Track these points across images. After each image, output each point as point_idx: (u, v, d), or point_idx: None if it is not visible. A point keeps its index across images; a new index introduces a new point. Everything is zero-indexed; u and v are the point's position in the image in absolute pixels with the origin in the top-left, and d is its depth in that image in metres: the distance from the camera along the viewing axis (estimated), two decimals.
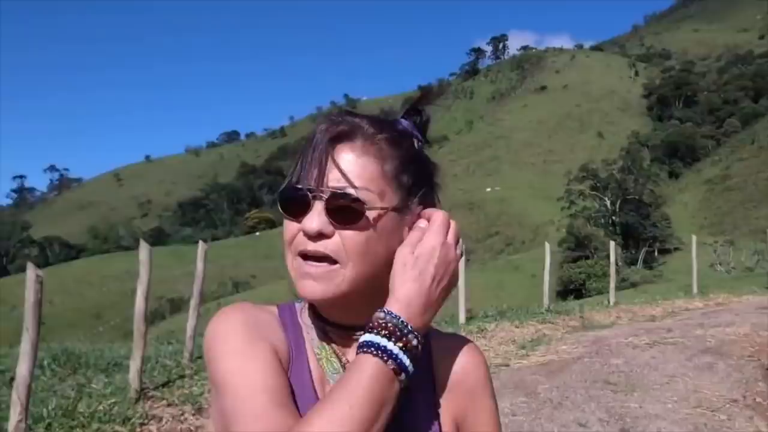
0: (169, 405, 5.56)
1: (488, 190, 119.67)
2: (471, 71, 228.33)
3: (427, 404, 0.93)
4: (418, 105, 0.97)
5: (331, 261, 0.84)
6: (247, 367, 0.83)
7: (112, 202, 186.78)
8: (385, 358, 0.80)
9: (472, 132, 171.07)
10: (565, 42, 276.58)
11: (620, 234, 61.23)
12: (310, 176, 0.84)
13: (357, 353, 0.82)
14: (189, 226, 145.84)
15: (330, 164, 0.84)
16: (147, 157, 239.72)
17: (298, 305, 0.97)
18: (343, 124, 0.86)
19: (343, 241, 0.83)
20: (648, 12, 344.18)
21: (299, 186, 0.84)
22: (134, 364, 5.63)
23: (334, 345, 0.92)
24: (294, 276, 0.87)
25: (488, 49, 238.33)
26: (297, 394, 0.86)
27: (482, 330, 9.66)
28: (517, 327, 10.06)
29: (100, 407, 5.17)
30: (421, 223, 0.89)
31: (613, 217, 66.85)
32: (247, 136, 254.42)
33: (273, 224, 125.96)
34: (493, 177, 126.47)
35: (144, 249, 6.05)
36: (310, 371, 0.90)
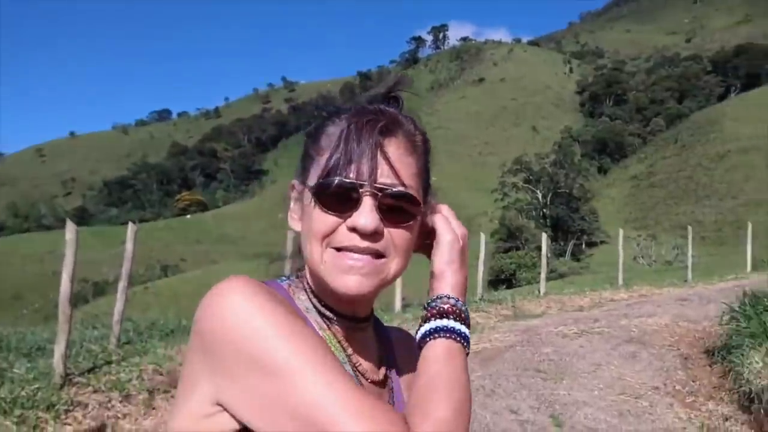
0: (95, 391, 5.36)
1: None
2: (411, 60, 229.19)
3: (399, 385, 0.96)
4: (394, 91, 0.92)
5: (376, 255, 0.81)
6: (318, 351, 0.73)
7: (33, 179, 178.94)
8: (464, 342, 0.85)
9: None
10: (503, 35, 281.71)
11: (550, 226, 62.94)
12: (359, 170, 0.79)
13: (434, 338, 0.84)
14: (115, 206, 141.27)
15: (380, 159, 0.80)
16: (71, 133, 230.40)
17: (284, 284, 0.91)
18: (384, 117, 0.83)
19: (393, 238, 0.81)
20: (584, 10, 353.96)
21: (347, 181, 0.79)
22: (59, 349, 5.40)
23: (338, 335, 0.88)
24: (329, 268, 0.81)
25: (429, 38, 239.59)
26: None
27: (418, 318, 9.71)
28: None
29: (23, 393, 4.96)
30: (444, 211, 0.93)
31: (544, 210, 68.67)
32: (179, 115, 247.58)
33: (205, 207, 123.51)
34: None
35: (70, 229, 5.78)
36: None
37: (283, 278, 0.92)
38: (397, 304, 10.60)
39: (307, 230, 0.83)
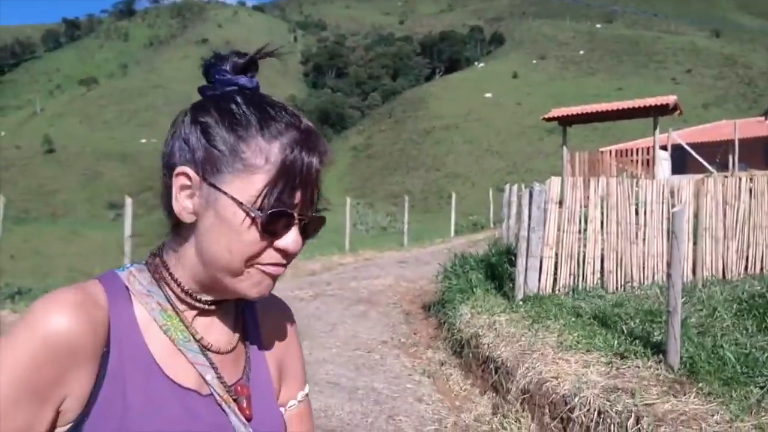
0: None
1: (143, 141, 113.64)
2: (126, 11, 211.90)
3: (261, 355, 0.99)
4: (256, 58, 0.91)
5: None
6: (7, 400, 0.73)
7: None
8: None
9: (126, 77, 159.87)
10: None
11: None
12: (301, 202, 0.83)
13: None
14: None
15: (314, 189, 0.85)
16: None
17: (122, 273, 0.88)
18: (321, 143, 0.85)
19: (301, 249, 0.88)
20: None
21: (291, 211, 0.82)
22: None
23: (186, 318, 0.88)
24: (245, 282, 0.84)
25: None
26: (130, 377, 0.81)
27: None
28: None
29: None
30: None
31: None
32: None
33: None
34: (149, 128, 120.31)
35: None
36: (145, 347, 0.84)
37: (127, 266, 0.91)
38: None
39: (228, 245, 0.83)
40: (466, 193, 59.81)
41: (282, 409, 1.00)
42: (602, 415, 3.86)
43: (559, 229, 7.03)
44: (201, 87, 0.92)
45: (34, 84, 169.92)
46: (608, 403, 3.89)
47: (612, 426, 3.76)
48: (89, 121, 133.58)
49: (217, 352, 0.90)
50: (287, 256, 0.84)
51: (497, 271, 7.84)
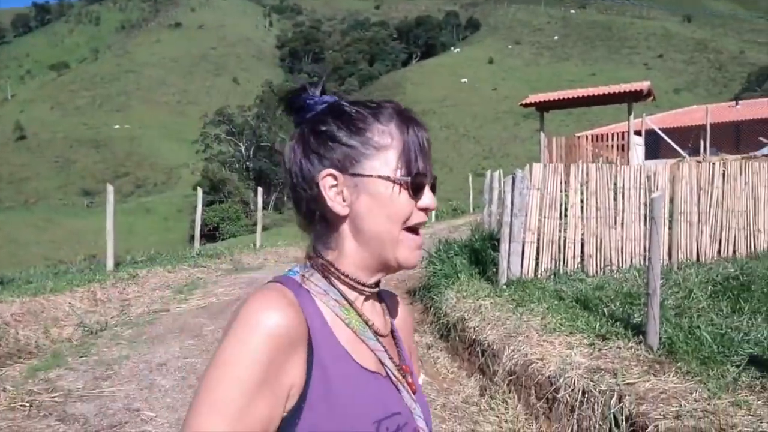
0: None
1: (116, 127, 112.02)
2: None
3: (400, 338, 1.14)
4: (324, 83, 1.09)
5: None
6: (233, 395, 0.81)
7: None
8: None
9: (97, 62, 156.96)
10: None
11: (254, 179, 63.70)
12: (426, 166, 1.00)
13: None
14: None
15: (429, 153, 1.02)
16: None
17: (296, 277, 0.99)
18: (417, 117, 1.04)
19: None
20: None
21: (424, 173, 0.99)
22: None
23: (359, 309, 1.01)
24: (401, 247, 0.98)
25: None
26: (331, 366, 0.91)
27: (134, 276, 9.32)
28: (169, 272, 9.97)
29: None
30: None
31: (248, 163, 69.11)
32: None
33: None
34: (122, 113, 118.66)
35: None
36: (336, 339, 0.95)
37: (295, 270, 1.01)
38: (110, 262, 10.01)
39: (385, 215, 0.97)
40: (444, 179, 60.10)
41: None
42: (586, 395, 4.03)
43: (540, 215, 7.20)
44: (294, 117, 1.05)
45: (3, 70, 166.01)
46: (592, 383, 4.06)
47: (596, 405, 3.93)
48: (61, 107, 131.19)
49: (382, 335, 1.03)
50: (427, 213, 1.01)
51: (481, 256, 8.00)
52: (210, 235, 44.12)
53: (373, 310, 1.05)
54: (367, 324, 1.01)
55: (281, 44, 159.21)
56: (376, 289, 1.05)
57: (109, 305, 7.93)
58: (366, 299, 1.03)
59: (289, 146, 1.02)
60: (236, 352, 0.83)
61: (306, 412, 0.88)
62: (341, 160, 0.98)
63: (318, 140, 0.99)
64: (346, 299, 0.99)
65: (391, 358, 1.02)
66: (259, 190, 15.39)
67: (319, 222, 1.00)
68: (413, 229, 1.01)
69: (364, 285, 1.01)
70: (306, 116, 1.03)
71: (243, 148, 69.86)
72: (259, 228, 14.18)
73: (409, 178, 0.98)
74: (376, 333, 1.02)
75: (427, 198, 1.00)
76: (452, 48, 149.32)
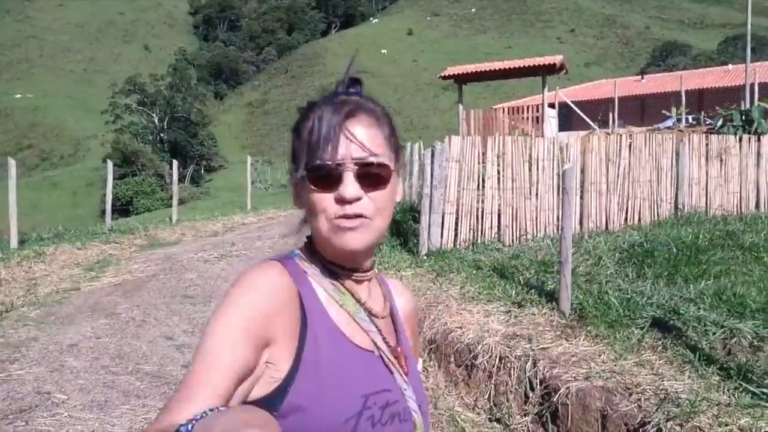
0: None
1: (18, 96, 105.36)
2: None
3: (401, 322, 1.16)
4: (352, 75, 1.08)
5: (364, 217, 0.97)
6: (224, 347, 0.88)
7: None
8: None
9: None
10: None
11: (168, 151, 61.57)
12: (336, 151, 0.95)
13: None
14: None
15: (350, 138, 0.96)
16: None
17: (295, 258, 1.04)
18: (348, 103, 0.98)
19: (374, 200, 0.97)
20: None
21: (329, 163, 0.94)
22: None
23: (351, 288, 1.04)
24: (330, 234, 0.98)
25: None
26: (322, 339, 0.96)
27: (40, 254, 8.89)
28: (79, 249, 9.56)
29: None
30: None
31: (161, 134, 66.69)
32: None
33: None
34: (23, 82, 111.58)
35: None
36: (329, 317, 1.00)
37: (296, 252, 1.06)
38: (14, 240, 9.50)
39: (310, 208, 0.99)
40: None
41: None
42: (503, 361, 4.17)
43: (459, 187, 7.33)
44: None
45: None
46: (508, 349, 4.21)
47: (512, 370, 4.08)
48: None
49: (377, 317, 1.06)
50: (348, 203, 0.97)
51: (402, 227, 8.08)
52: (123, 209, 42.60)
53: (369, 293, 1.08)
54: (361, 304, 1.04)
55: (195, 11, 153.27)
56: (367, 274, 1.07)
57: (15, 285, 7.54)
58: (360, 282, 1.06)
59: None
60: (227, 309, 0.90)
61: (299, 378, 0.93)
62: (293, 159, 1.02)
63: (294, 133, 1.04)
64: (340, 281, 1.03)
65: (384, 340, 1.05)
66: (174, 162, 14.92)
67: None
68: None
69: (343, 269, 1.03)
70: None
71: (156, 119, 67.26)
72: (174, 202, 13.78)
73: (305, 172, 0.97)
74: (371, 314, 1.05)
75: (345, 188, 0.96)
76: (371, 19, 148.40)
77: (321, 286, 1.02)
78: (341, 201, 0.96)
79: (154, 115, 67.75)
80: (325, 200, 0.97)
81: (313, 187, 0.97)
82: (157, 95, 68.47)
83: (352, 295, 1.04)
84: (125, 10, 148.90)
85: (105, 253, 9.56)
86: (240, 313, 0.90)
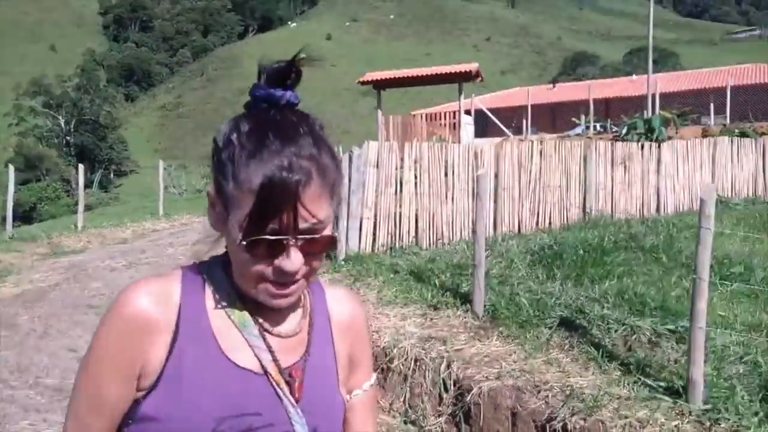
0: None
1: None
2: None
3: (327, 344, 1.05)
4: (298, 66, 0.97)
5: (298, 281, 0.91)
6: (101, 390, 0.91)
7: None
8: None
9: None
10: None
11: (75, 155, 58.95)
12: (281, 223, 0.85)
13: None
14: None
15: (299, 210, 0.85)
16: None
17: (203, 265, 0.98)
18: (298, 173, 0.85)
19: (312, 263, 0.90)
20: None
21: (274, 237, 0.86)
22: None
23: (252, 309, 0.95)
24: (257, 294, 0.91)
25: None
26: (188, 355, 0.91)
27: None
28: None
29: None
30: None
31: (68, 138, 63.75)
32: None
33: None
34: None
35: None
36: (209, 330, 0.93)
37: (218, 259, 0.98)
38: None
39: (236, 261, 0.91)
40: None
41: (347, 397, 1.07)
42: (418, 363, 4.22)
43: (377, 191, 7.37)
44: (245, 104, 0.95)
45: None
46: (423, 351, 4.26)
47: (427, 372, 4.12)
48: None
49: (278, 336, 0.97)
50: (286, 275, 0.89)
51: None
52: (26, 216, 40.33)
53: (277, 310, 0.96)
54: (254, 320, 0.95)
55: (105, 10, 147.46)
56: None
57: None
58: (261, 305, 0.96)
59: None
60: (98, 332, 0.92)
61: (155, 391, 0.90)
62: (215, 181, 0.91)
63: (213, 146, 0.93)
64: (238, 294, 0.95)
65: (275, 359, 0.95)
66: (81, 166, 14.26)
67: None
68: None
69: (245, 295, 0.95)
70: (251, 111, 0.93)
71: (62, 122, 64.27)
72: (81, 208, 13.15)
73: (244, 243, 0.87)
74: (266, 331, 0.96)
75: (287, 262, 0.87)
76: (289, 23, 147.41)
77: (216, 293, 0.95)
78: (280, 272, 0.89)
79: (60, 117, 64.74)
80: (261, 268, 0.89)
81: (251, 256, 0.87)
82: (64, 97, 65.60)
83: (245, 306, 0.95)
84: (30, 9, 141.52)
85: (5, 262, 9.03)
86: (107, 352, 0.90)
